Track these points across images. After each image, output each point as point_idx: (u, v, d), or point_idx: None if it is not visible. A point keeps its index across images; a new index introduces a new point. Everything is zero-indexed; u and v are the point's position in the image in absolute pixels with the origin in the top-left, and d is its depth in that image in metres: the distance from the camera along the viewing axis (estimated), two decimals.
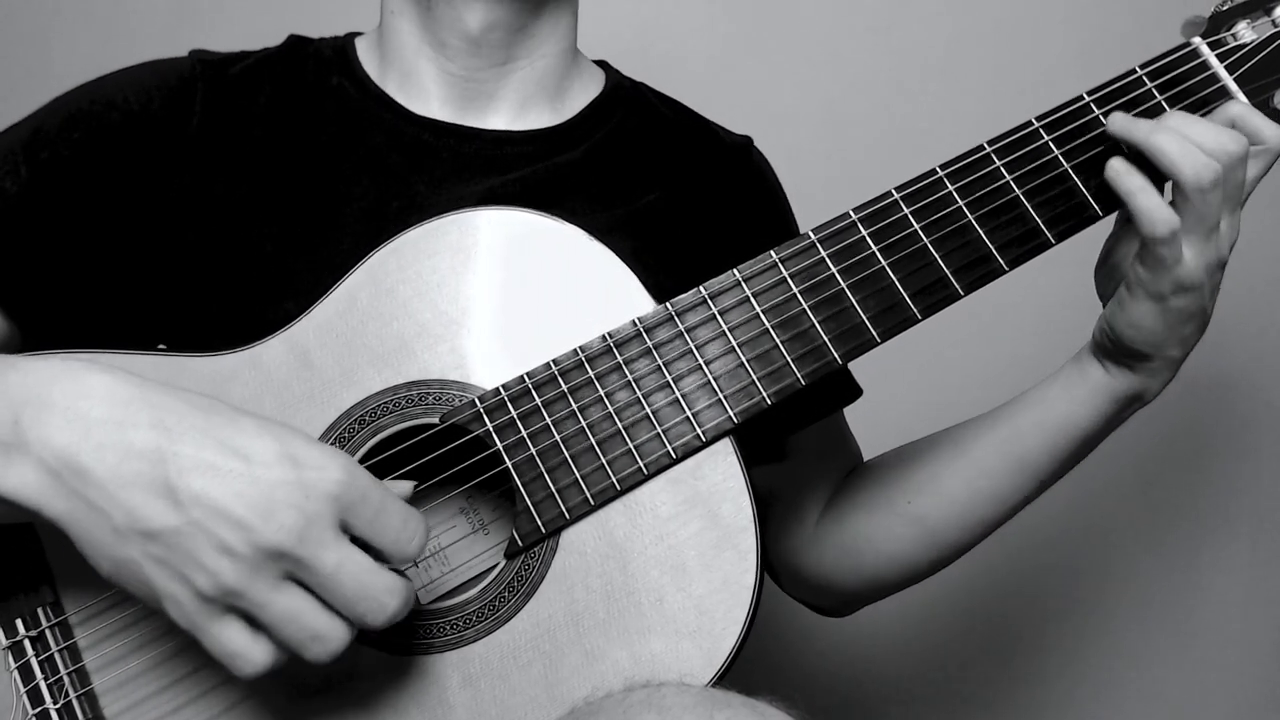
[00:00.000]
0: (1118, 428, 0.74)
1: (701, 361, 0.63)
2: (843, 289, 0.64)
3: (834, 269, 0.64)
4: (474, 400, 0.62)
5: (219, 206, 0.72)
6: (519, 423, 0.62)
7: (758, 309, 0.64)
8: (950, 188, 0.65)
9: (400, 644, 0.61)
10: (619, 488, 0.62)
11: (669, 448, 0.62)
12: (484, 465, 0.63)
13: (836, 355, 0.63)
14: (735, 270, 0.64)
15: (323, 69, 0.78)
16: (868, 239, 0.64)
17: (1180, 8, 0.70)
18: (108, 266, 0.72)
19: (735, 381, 0.63)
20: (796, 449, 0.86)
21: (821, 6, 1.29)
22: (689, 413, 0.62)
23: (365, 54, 0.80)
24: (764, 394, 0.63)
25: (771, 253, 0.64)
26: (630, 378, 0.63)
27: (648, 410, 0.62)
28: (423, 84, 0.77)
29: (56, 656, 0.60)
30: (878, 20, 1.29)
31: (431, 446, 0.62)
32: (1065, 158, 0.65)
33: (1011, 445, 0.74)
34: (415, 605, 0.62)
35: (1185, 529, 1.35)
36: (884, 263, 0.64)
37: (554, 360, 0.63)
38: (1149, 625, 1.35)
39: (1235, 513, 1.34)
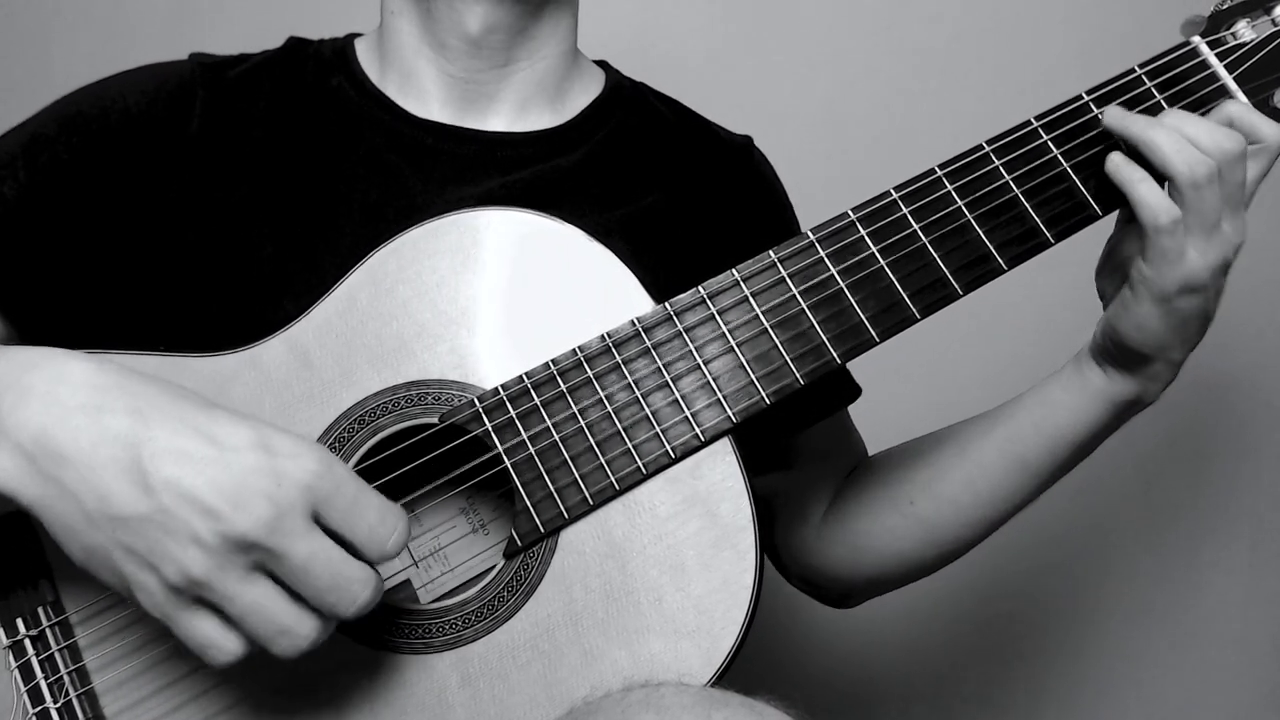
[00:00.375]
0: (1118, 429, 0.73)
1: (700, 361, 0.63)
2: (842, 289, 0.64)
3: (833, 269, 0.64)
4: (473, 400, 0.62)
5: (218, 208, 0.72)
6: (518, 423, 0.62)
7: (756, 309, 0.64)
8: (949, 187, 0.65)
9: (399, 643, 0.61)
10: (618, 487, 0.62)
11: (668, 447, 0.62)
12: (483, 465, 0.63)
13: (835, 355, 0.63)
14: (734, 270, 0.64)
15: (322, 71, 0.78)
16: (866, 239, 0.64)
17: (1180, 7, 0.70)
18: (107, 269, 0.72)
19: (734, 381, 0.63)
20: (801, 450, 0.86)
21: (821, 6, 1.29)
22: (688, 412, 0.62)
23: (365, 55, 0.80)
24: (763, 394, 0.63)
25: (770, 253, 0.64)
26: (629, 378, 0.63)
27: (646, 410, 0.62)
28: (422, 85, 0.77)
29: (57, 656, 0.60)
30: (878, 20, 1.29)
31: (430, 446, 0.62)
32: (1064, 157, 0.65)
33: (1012, 446, 0.74)
34: (415, 604, 0.62)
35: (1185, 529, 1.35)
36: (883, 262, 0.64)
37: (553, 360, 0.63)
38: (1149, 625, 1.35)
39: (1235, 513, 1.34)
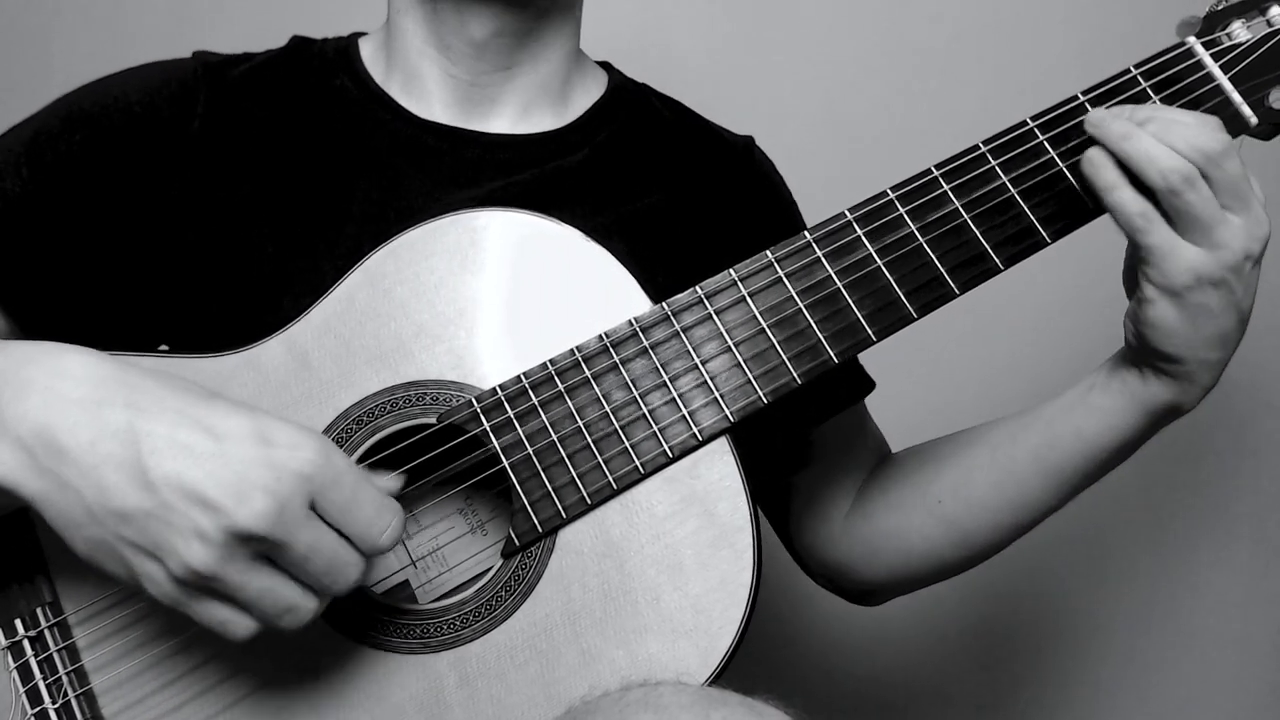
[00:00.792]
0: (1154, 435, 0.71)
1: (698, 361, 0.63)
2: (839, 288, 0.64)
3: (830, 269, 0.64)
4: (471, 400, 0.62)
5: (219, 208, 0.72)
6: (516, 423, 0.62)
7: (754, 309, 0.64)
8: (945, 187, 0.65)
9: (398, 643, 0.61)
10: (616, 487, 0.62)
11: (665, 447, 0.62)
12: (481, 465, 0.63)
13: (832, 354, 0.64)
14: (731, 270, 0.64)
15: (326, 70, 0.78)
16: (863, 239, 0.64)
17: (1176, 7, 0.70)
18: (109, 267, 0.72)
19: (732, 381, 0.63)
20: (818, 446, 0.86)
21: (821, 6, 1.30)
22: (685, 412, 0.62)
23: (370, 54, 0.80)
24: (760, 393, 0.63)
25: (767, 252, 0.64)
26: (627, 377, 0.63)
27: (644, 410, 0.62)
28: (426, 86, 0.77)
29: (55, 656, 0.60)
30: (877, 20, 1.29)
31: (429, 446, 0.62)
32: (1060, 157, 0.65)
33: (1045, 452, 0.72)
34: (413, 604, 0.62)
35: (1185, 529, 1.35)
36: (880, 262, 0.64)
37: (551, 360, 0.63)
38: (1149, 625, 1.35)
39: (1235, 513, 1.34)
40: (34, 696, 0.59)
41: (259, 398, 0.63)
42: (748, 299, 0.64)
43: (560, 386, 0.63)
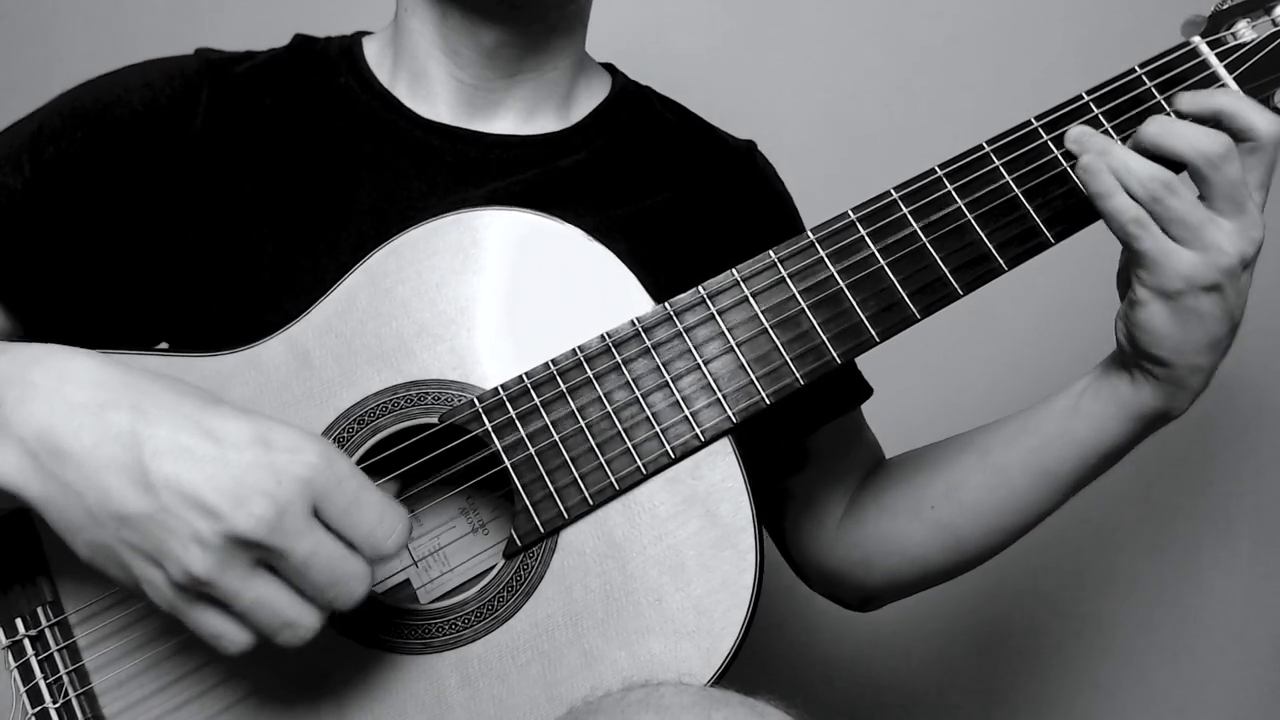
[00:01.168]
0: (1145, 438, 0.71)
1: (700, 361, 0.63)
2: (841, 289, 0.64)
3: (833, 269, 0.64)
4: (473, 400, 0.62)
5: (221, 206, 0.72)
6: (518, 423, 0.62)
7: (756, 309, 0.64)
8: (949, 187, 0.65)
9: (399, 644, 0.61)
10: (618, 487, 0.62)
11: (668, 447, 0.62)
12: (483, 465, 0.63)
13: (835, 355, 0.63)
14: (734, 270, 0.64)
15: (329, 69, 0.78)
16: (866, 239, 0.64)
17: (1180, 7, 0.70)
18: (110, 264, 0.72)
19: (734, 381, 0.63)
20: (814, 451, 0.86)
21: (822, 6, 1.29)
22: (688, 412, 0.62)
23: (375, 53, 0.80)
24: (763, 394, 0.63)
25: (770, 253, 0.64)
26: (629, 378, 0.63)
27: (646, 410, 0.62)
28: (432, 87, 0.77)
29: (56, 656, 0.60)
30: (878, 20, 1.29)
31: (430, 446, 0.62)
32: (1065, 157, 0.65)
33: (1036, 456, 0.72)
34: (415, 605, 0.62)
35: (1185, 529, 1.35)
36: (883, 262, 0.64)
37: (553, 360, 0.63)
38: (1149, 625, 1.35)
39: (1235, 513, 1.34)
40: (35, 696, 0.59)
41: (260, 397, 0.63)
42: (750, 299, 0.64)
43: (562, 387, 0.62)
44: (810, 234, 0.65)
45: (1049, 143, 0.65)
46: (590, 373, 0.63)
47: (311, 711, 0.60)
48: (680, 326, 0.63)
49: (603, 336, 0.63)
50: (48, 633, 0.60)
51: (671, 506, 0.62)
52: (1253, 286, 1.31)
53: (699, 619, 0.60)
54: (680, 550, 0.61)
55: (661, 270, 0.67)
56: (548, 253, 0.65)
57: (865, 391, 0.87)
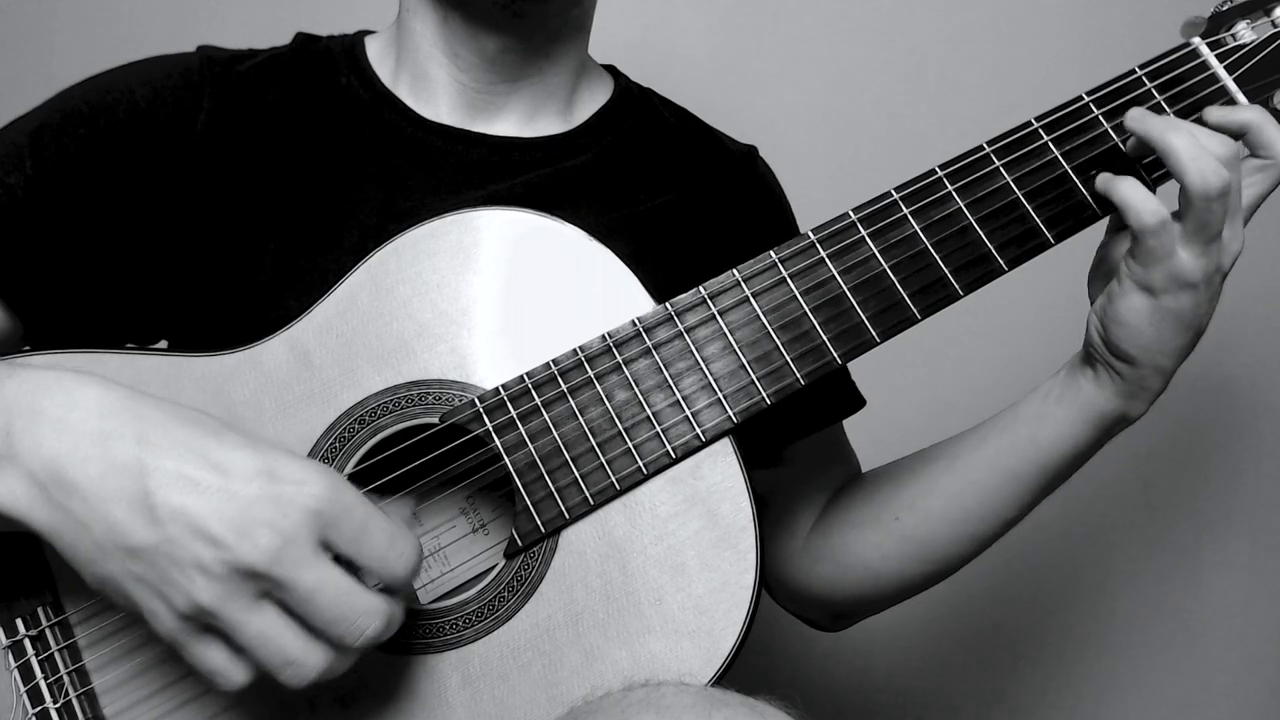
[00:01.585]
0: (1107, 443, 0.72)
1: (701, 361, 0.63)
2: (842, 289, 0.64)
3: (834, 269, 0.64)
4: (474, 400, 0.62)
5: (224, 205, 0.72)
6: (518, 423, 0.62)
7: (757, 309, 0.64)
8: (950, 188, 0.65)
9: (400, 644, 0.61)
10: (618, 487, 0.62)
11: (668, 447, 0.62)
12: (483, 465, 0.63)
13: (836, 355, 0.63)
14: (735, 270, 0.64)
15: (332, 69, 0.78)
16: (867, 239, 0.64)
17: (1180, 8, 0.70)
18: (112, 262, 0.72)
19: (735, 381, 0.63)
20: (792, 458, 0.86)
21: (822, 8, 1.30)
22: (688, 412, 0.62)
23: (377, 53, 0.80)
24: (764, 394, 0.63)
25: (771, 253, 0.64)
26: (630, 377, 0.63)
27: (647, 410, 0.62)
28: (434, 88, 0.77)
29: (56, 656, 0.60)
30: (879, 21, 1.29)
31: (431, 446, 0.62)
32: (1065, 158, 0.65)
33: (1000, 459, 0.73)
34: (415, 605, 0.62)
35: (1185, 529, 1.35)
36: (883, 263, 0.64)
37: (554, 360, 0.63)
38: (1149, 625, 1.35)
39: (1235, 513, 1.34)
40: (35, 696, 0.59)
41: (260, 397, 0.63)
42: (751, 299, 0.64)
43: (563, 387, 0.63)
44: (811, 234, 0.65)
45: (1049, 143, 0.65)
46: (591, 373, 0.63)
47: (312, 711, 0.60)
48: (681, 326, 0.63)
49: (603, 336, 0.63)
50: (48, 633, 0.60)
51: (672, 506, 0.62)
52: (1253, 287, 1.31)
53: (699, 619, 0.60)
54: (681, 550, 0.61)
55: (662, 272, 0.67)
56: (549, 253, 0.65)
57: (857, 403, 0.87)
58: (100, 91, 0.73)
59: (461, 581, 0.68)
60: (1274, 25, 0.66)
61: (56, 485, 0.50)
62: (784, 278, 0.64)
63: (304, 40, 0.81)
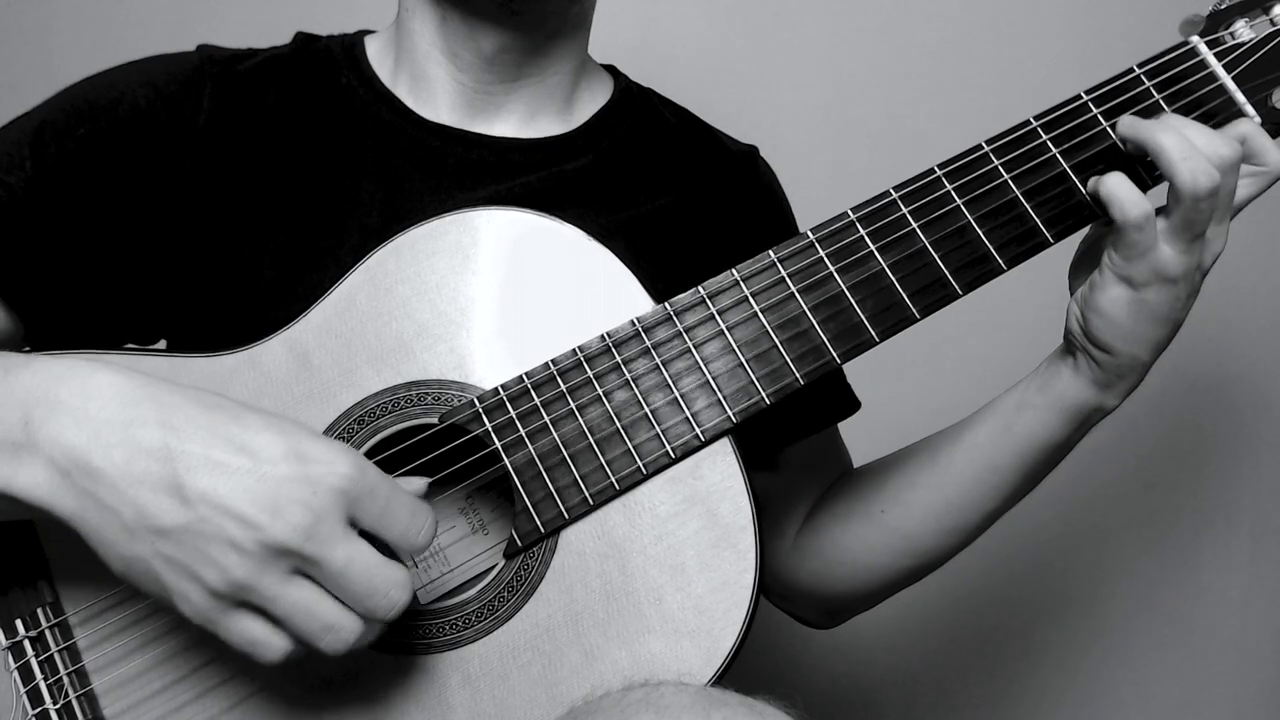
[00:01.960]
0: (1087, 434, 0.73)
1: (700, 361, 0.63)
2: (841, 289, 0.64)
3: (832, 268, 0.64)
4: (473, 400, 0.62)
5: (224, 204, 0.72)
6: (518, 423, 0.62)
7: (756, 309, 0.64)
8: (948, 187, 0.65)
9: (400, 644, 0.61)
10: (618, 487, 0.62)
11: (668, 447, 0.62)
12: (483, 465, 0.63)
13: (835, 355, 0.63)
14: (734, 270, 0.64)
15: (332, 68, 0.78)
16: (866, 239, 0.64)
17: (1179, 7, 0.70)
18: (112, 262, 0.72)
19: (734, 381, 0.63)
20: (786, 460, 0.86)
21: (822, 8, 1.30)
22: (688, 412, 0.62)
23: (376, 53, 0.80)
24: (763, 394, 0.63)
25: (770, 252, 0.64)
26: (629, 377, 0.63)
27: (646, 410, 0.62)
28: (433, 88, 0.77)
29: (56, 657, 0.60)
30: (878, 20, 1.29)
31: (430, 446, 0.62)
32: (1063, 157, 0.65)
33: (981, 451, 0.74)
34: (415, 605, 0.62)
35: (1185, 529, 1.35)
36: (882, 262, 0.64)
37: (553, 360, 0.63)
38: (1149, 625, 1.35)
39: (1235, 513, 1.34)
40: (35, 697, 0.59)
41: (260, 397, 0.63)
42: (750, 299, 0.64)
43: (562, 387, 0.63)
44: (810, 234, 0.65)
45: (1048, 142, 0.65)
46: (590, 373, 0.63)
47: (312, 712, 0.60)
48: (680, 326, 0.63)
49: (603, 336, 0.63)
50: (48, 634, 0.60)
51: (672, 506, 0.62)
52: (1253, 287, 1.31)
53: (699, 618, 0.60)
54: (680, 550, 0.61)
55: (662, 273, 0.67)
56: (548, 253, 0.65)
57: (853, 405, 0.88)
58: (101, 91, 0.73)
59: (461, 581, 0.68)
60: (1272, 24, 0.66)
61: (80, 472, 0.51)
62: (783, 277, 0.64)
63: (304, 40, 0.81)
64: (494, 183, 0.75)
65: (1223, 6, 0.67)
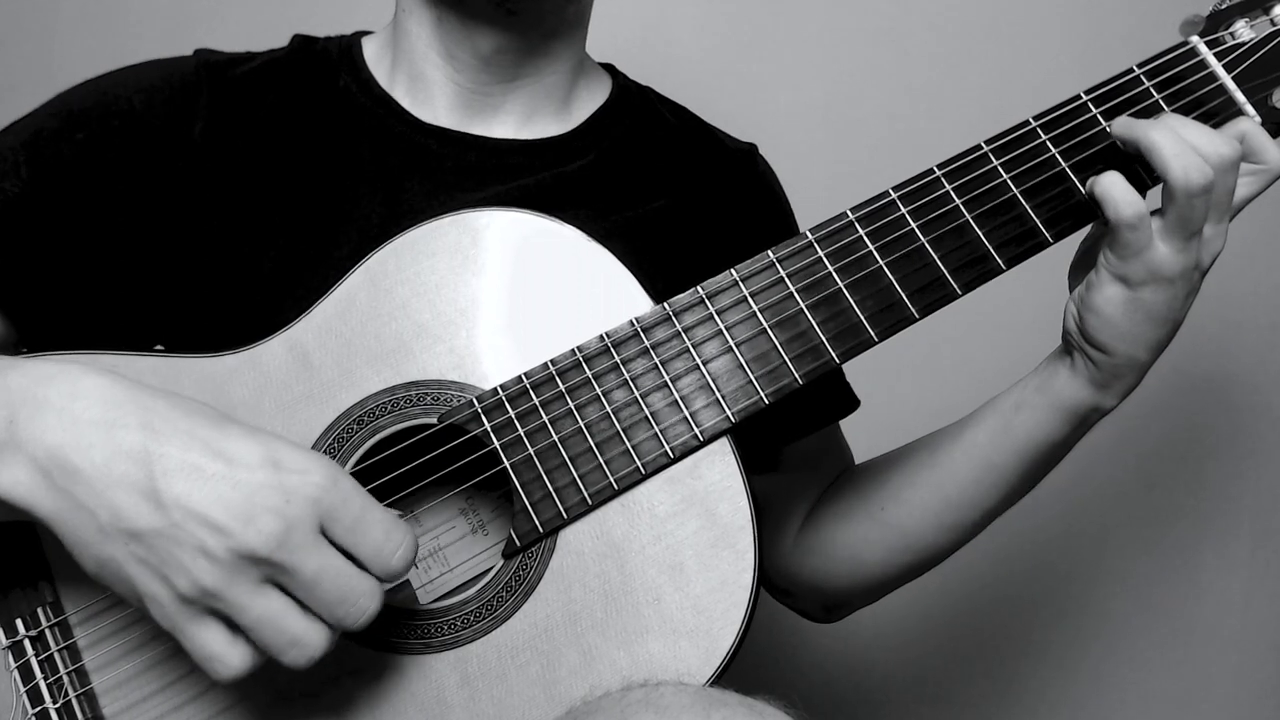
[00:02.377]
0: (1085, 434, 0.73)
1: (699, 361, 0.63)
2: (840, 289, 0.64)
3: (831, 268, 0.64)
4: (472, 400, 0.62)
5: (222, 208, 0.72)
6: (517, 423, 0.62)
7: (755, 309, 0.64)
8: (948, 187, 0.65)
9: (399, 644, 0.61)
10: (617, 487, 0.62)
11: (667, 447, 0.62)
12: (482, 465, 0.63)
13: (834, 355, 0.63)
14: (733, 270, 0.64)
15: (329, 71, 0.78)
16: (865, 239, 0.64)
17: (1179, 7, 0.70)
18: (108, 268, 0.71)
19: (733, 381, 0.63)
20: (787, 460, 0.87)
21: (822, 7, 1.30)
22: (687, 412, 0.62)
23: (374, 54, 0.79)
24: (762, 394, 0.63)
25: (769, 253, 0.64)
26: (628, 377, 0.63)
27: (645, 410, 0.62)
28: (430, 90, 0.77)
29: (56, 656, 0.60)
30: (878, 21, 1.29)
31: (430, 447, 0.62)
32: (1062, 157, 0.65)
33: (979, 450, 0.74)
34: (415, 605, 0.62)
35: (1185, 529, 1.35)
36: (881, 262, 0.64)
37: (552, 360, 0.63)
38: (1149, 625, 1.35)
39: (1235, 513, 1.34)
40: (35, 696, 0.59)
41: (260, 397, 0.63)
42: (749, 299, 0.64)
43: (561, 387, 0.63)
44: (809, 234, 0.65)
45: (1047, 142, 0.65)
46: (589, 373, 0.63)
47: (311, 713, 0.60)
48: (679, 326, 0.63)
49: (602, 337, 0.63)
50: (48, 633, 0.60)
51: (670, 506, 0.62)
52: (1253, 286, 1.31)
53: (698, 618, 0.60)
54: (679, 550, 0.61)
55: (661, 273, 0.67)
56: (547, 253, 0.65)
57: (852, 404, 0.88)
58: (97, 95, 0.73)
59: (460, 582, 0.68)
60: (1272, 24, 0.66)
61: (60, 471, 0.51)
62: (782, 277, 0.64)
63: (301, 42, 0.80)
64: (493, 184, 0.75)
65: (1223, 6, 0.67)
